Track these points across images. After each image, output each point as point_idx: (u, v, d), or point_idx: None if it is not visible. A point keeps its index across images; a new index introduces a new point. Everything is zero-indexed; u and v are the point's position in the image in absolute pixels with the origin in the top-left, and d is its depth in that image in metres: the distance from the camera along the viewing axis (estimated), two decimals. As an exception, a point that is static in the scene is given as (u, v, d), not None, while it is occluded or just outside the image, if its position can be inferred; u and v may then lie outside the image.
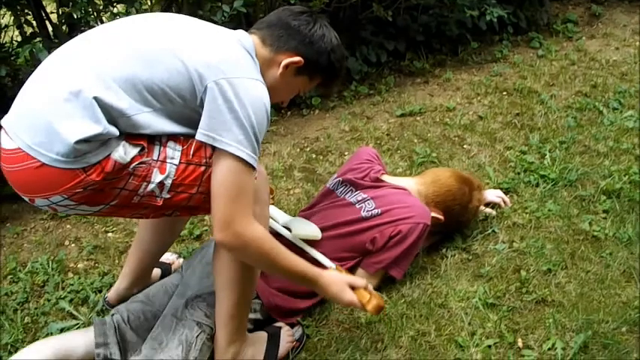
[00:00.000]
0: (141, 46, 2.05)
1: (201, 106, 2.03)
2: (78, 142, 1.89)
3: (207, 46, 2.09)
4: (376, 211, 2.82)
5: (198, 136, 2.03)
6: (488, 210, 3.33)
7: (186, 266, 2.74)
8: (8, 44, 3.74)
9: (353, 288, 2.35)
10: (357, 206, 2.86)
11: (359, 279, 2.40)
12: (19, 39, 3.73)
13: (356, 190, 2.97)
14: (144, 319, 2.54)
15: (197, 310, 2.46)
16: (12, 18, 3.79)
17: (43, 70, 2.06)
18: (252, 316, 2.59)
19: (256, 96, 2.05)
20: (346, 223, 2.81)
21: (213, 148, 2.04)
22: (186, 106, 2.05)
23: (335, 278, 2.35)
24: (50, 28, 3.87)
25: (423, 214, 2.84)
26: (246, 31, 2.29)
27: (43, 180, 1.95)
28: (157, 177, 2.05)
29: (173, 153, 2.07)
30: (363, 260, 2.83)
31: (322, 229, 2.78)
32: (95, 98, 1.92)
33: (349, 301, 2.33)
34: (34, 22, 3.82)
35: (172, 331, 2.42)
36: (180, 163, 2.07)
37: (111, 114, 1.95)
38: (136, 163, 2.01)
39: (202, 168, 2.09)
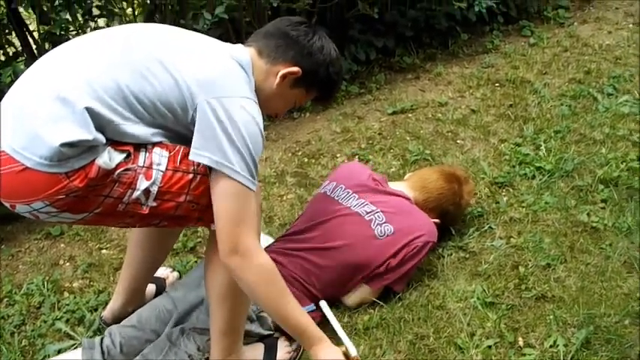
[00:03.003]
0: (134, 57, 2.03)
1: (192, 123, 2.01)
2: (63, 145, 1.86)
3: (200, 62, 2.07)
4: (389, 228, 2.77)
5: (192, 156, 2.01)
6: None
7: (178, 291, 2.69)
8: (-9, 65, 3.71)
9: None
10: (367, 218, 2.80)
11: None
12: (3, 59, 3.69)
13: (359, 197, 2.90)
14: (135, 345, 2.51)
15: (191, 341, 2.45)
16: (-6, 39, 3.75)
17: (34, 73, 2.03)
18: (257, 329, 2.58)
19: (249, 116, 2.02)
20: (360, 247, 2.74)
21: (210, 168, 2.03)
22: (177, 122, 2.04)
23: (332, 352, 2.26)
24: (34, 46, 3.83)
25: (432, 231, 2.84)
26: (242, 43, 2.27)
27: (24, 184, 1.91)
28: (142, 184, 2.01)
29: (159, 159, 2.04)
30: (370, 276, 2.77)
31: (332, 249, 2.74)
32: (86, 107, 1.89)
33: None
34: (17, 42, 3.78)
35: (163, 355, 2.41)
36: (167, 169, 2.04)
37: (100, 122, 1.92)
38: (121, 169, 1.98)
39: (190, 176, 2.06)
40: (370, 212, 2.82)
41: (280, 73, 2.20)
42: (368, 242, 2.74)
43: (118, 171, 1.97)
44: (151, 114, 2.00)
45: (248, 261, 2.05)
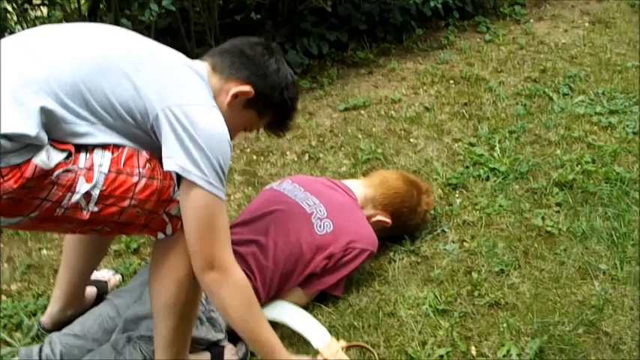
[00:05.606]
0: (94, 55, 1.96)
1: (153, 130, 1.94)
2: (3, 136, 1.74)
3: (159, 70, 2.00)
4: (328, 224, 2.74)
5: (167, 166, 1.94)
6: None
7: (122, 298, 2.59)
8: None
9: None
10: (308, 211, 2.76)
11: None
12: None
13: (305, 190, 2.87)
14: (77, 354, 2.42)
15: (137, 350, 2.36)
16: None
17: None
18: (216, 336, 2.50)
19: (214, 124, 1.96)
20: (298, 240, 2.69)
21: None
22: (137, 127, 1.95)
23: None
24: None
25: (371, 240, 2.80)
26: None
27: None
28: (82, 187, 1.89)
29: (101, 160, 1.92)
30: (305, 279, 2.72)
31: (272, 241, 2.66)
32: (40, 106, 1.81)
33: None
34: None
35: None
36: (109, 171, 1.92)
37: (51, 119, 1.83)
38: (60, 170, 1.85)
39: (135, 179, 1.95)
40: (313, 205, 2.79)
41: (232, 92, 2.13)
42: (306, 236, 2.70)
43: (57, 172, 1.85)
44: (110, 114, 1.92)
45: (224, 277, 2.02)
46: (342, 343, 2.43)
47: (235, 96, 2.14)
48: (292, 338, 2.54)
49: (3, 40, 1.98)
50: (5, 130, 1.75)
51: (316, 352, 2.40)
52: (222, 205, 2.00)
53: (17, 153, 1.78)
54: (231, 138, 2.08)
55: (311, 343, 2.43)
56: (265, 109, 2.24)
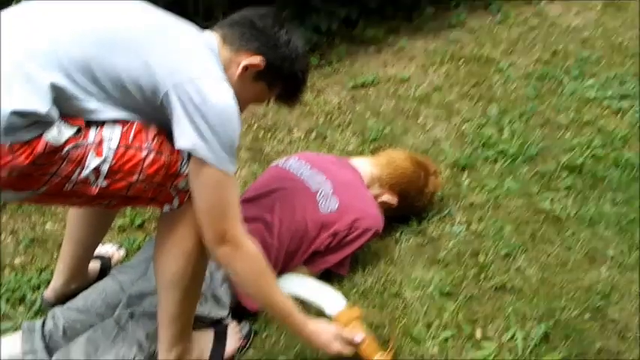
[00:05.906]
0: (104, 27, 1.93)
1: (162, 105, 1.92)
2: (15, 112, 1.71)
3: (170, 43, 1.97)
4: (334, 202, 2.71)
5: (178, 144, 1.93)
6: None
7: (126, 274, 2.59)
8: None
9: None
10: (314, 189, 2.74)
11: (352, 334, 2.27)
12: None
13: (312, 167, 2.85)
14: (79, 329, 2.42)
15: (140, 326, 2.35)
16: None
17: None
18: (220, 313, 2.50)
19: (225, 100, 1.93)
20: (306, 218, 2.67)
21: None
22: (146, 102, 1.93)
23: (323, 327, 2.26)
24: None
25: (377, 219, 2.78)
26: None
27: None
28: (92, 161, 1.87)
29: (111, 134, 1.91)
30: (309, 257, 2.71)
31: (276, 218, 2.65)
32: (51, 82, 1.78)
33: (337, 352, 2.26)
34: None
35: (111, 340, 2.33)
36: (118, 146, 1.90)
37: (61, 95, 1.81)
38: (70, 145, 1.83)
39: (143, 153, 1.93)
40: (318, 182, 2.78)
41: (242, 64, 2.10)
42: (311, 214, 2.68)
43: (67, 147, 1.83)
44: (118, 89, 1.89)
45: (236, 250, 2.04)
46: (357, 311, 2.39)
47: (246, 68, 2.11)
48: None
49: (3, 12, 1.95)
50: (16, 107, 1.72)
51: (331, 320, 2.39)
52: (232, 181, 2.01)
53: (26, 129, 1.76)
54: (241, 110, 2.06)
55: (325, 312, 2.41)
56: (275, 81, 2.21)
